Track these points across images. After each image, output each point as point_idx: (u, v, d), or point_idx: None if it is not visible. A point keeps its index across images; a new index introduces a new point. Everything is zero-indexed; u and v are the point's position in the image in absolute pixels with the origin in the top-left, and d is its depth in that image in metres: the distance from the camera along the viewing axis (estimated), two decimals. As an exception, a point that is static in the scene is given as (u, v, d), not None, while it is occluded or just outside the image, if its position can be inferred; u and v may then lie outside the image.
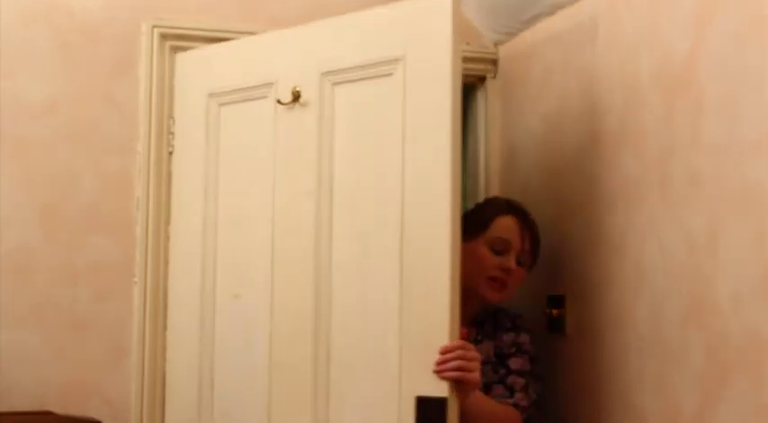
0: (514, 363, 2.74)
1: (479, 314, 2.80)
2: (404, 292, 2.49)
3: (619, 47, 2.69)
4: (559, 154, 2.94)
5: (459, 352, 2.39)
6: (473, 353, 2.43)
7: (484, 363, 2.56)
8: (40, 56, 2.97)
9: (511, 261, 2.76)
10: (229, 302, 2.87)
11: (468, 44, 3.28)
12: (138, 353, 2.97)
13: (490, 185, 3.28)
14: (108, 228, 2.99)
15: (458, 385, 2.40)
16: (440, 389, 2.39)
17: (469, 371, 2.40)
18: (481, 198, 3.29)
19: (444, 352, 2.40)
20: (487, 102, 3.31)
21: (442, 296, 2.41)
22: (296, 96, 2.74)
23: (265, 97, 2.82)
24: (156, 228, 3.00)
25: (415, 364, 2.43)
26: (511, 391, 2.71)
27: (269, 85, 2.81)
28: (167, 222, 3.02)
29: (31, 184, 2.94)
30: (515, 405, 2.69)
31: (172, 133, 3.03)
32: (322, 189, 2.68)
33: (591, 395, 2.74)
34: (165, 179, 3.02)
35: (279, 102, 2.77)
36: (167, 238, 3.01)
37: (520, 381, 2.73)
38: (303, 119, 2.73)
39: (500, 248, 2.76)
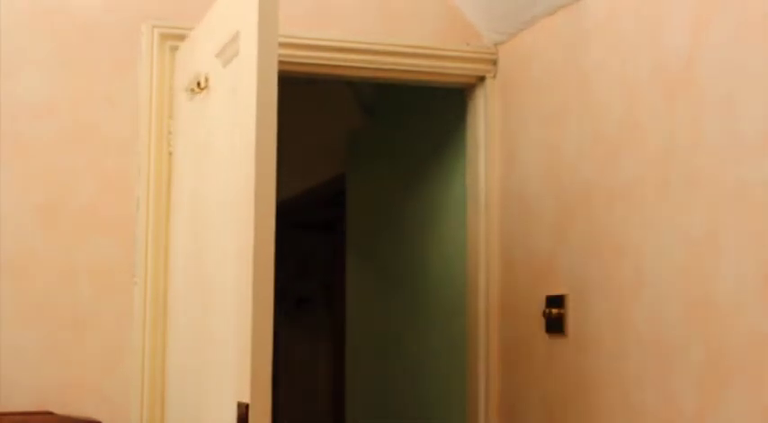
0: None
1: None
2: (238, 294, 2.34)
3: (619, 47, 2.69)
4: (559, 154, 2.94)
5: None
6: None
7: None
8: (41, 56, 2.97)
9: None
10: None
11: (468, 44, 3.28)
12: (138, 353, 2.96)
13: (490, 185, 3.28)
14: (108, 228, 2.98)
15: None
16: (246, 394, 2.23)
17: None
18: (482, 198, 3.29)
19: None
20: (487, 102, 3.30)
21: (246, 294, 2.25)
22: (200, 84, 2.64)
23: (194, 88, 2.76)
24: (156, 228, 3.00)
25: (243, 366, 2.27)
26: None
27: (197, 75, 2.74)
28: (167, 222, 3.01)
29: (31, 184, 2.94)
30: None
31: (171, 133, 3.03)
32: (203, 182, 2.54)
33: (591, 395, 2.74)
34: (165, 179, 3.02)
35: (191, 90, 2.69)
36: (167, 238, 3.01)
37: None
38: (210, 104, 2.64)
39: None
